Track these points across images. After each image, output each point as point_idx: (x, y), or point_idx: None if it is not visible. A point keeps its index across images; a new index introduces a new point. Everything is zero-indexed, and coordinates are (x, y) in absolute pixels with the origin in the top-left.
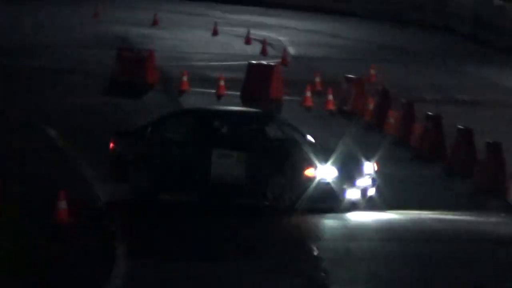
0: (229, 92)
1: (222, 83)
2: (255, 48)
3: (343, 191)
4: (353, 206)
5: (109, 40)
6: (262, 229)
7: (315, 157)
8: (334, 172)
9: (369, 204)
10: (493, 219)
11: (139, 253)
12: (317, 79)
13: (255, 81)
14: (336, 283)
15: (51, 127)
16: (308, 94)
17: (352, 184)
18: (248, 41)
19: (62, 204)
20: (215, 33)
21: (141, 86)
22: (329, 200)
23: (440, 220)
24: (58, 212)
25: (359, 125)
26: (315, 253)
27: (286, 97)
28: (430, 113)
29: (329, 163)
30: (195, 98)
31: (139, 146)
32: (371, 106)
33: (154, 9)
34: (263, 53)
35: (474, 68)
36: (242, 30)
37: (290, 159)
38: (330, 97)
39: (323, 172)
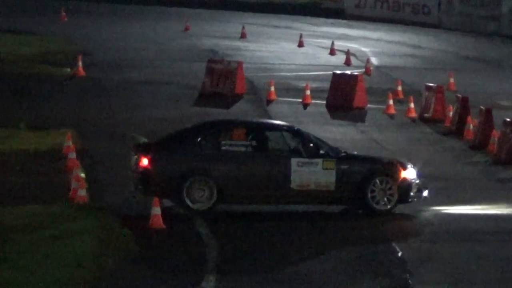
0: (315, 101)
1: (308, 92)
2: (339, 58)
3: (424, 189)
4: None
5: (200, 53)
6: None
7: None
8: (415, 172)
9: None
10: None
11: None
12: (399, 88)
13: (340, 90)
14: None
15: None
16: (391, 102)
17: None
18: (332, 52)
19: (156, 210)
20: (300, 44)
21: (230, 97)
22: (417, 197)
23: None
24: (152, 218)
25: (439, 131)
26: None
27: (370, 105)
28: (508, 119)
29: (409, 164)
30: (282, 107)
31: (202, 158)
32: (451, 113)
33: (242, 22)
34: (347, 63)
35: None
36: (326, 42)
37: (379, 163)
38: (412, 105)
39: (412, 172)
